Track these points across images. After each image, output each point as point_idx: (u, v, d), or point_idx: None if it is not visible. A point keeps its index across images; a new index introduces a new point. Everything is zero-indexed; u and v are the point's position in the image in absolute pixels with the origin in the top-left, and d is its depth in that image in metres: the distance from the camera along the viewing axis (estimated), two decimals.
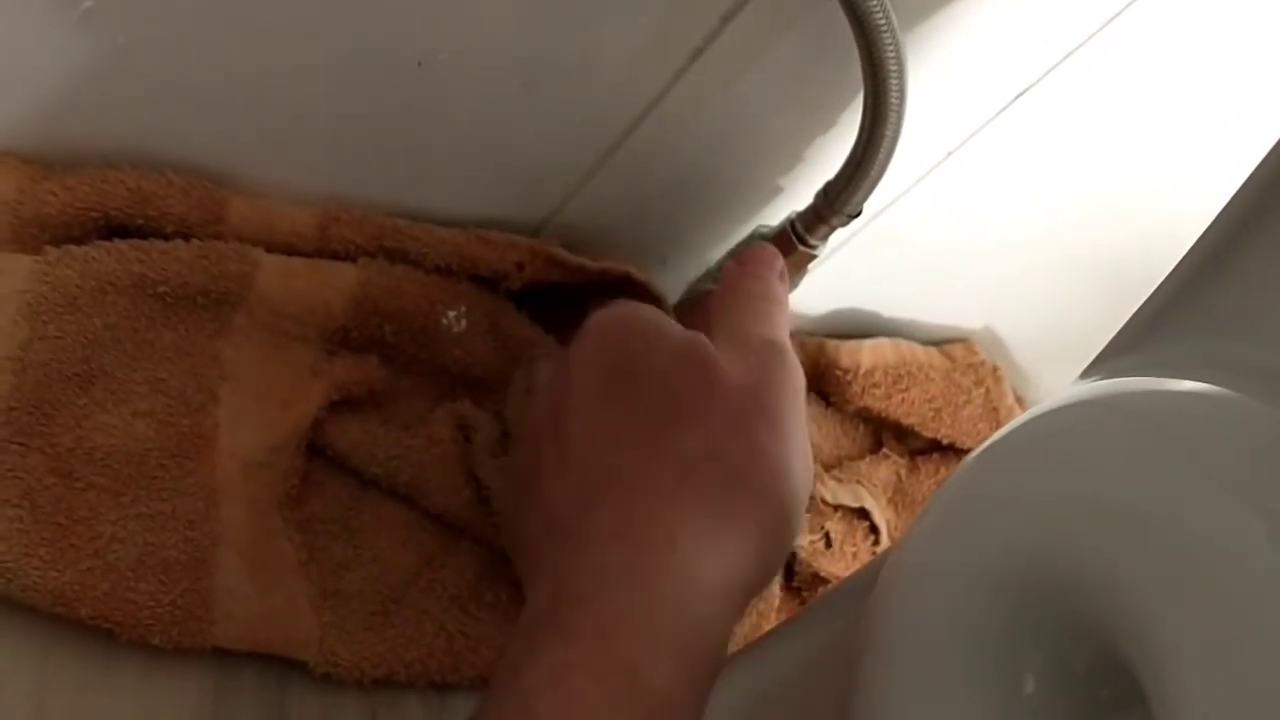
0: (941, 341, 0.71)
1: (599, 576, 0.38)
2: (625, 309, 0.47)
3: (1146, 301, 0.39)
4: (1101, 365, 0.40)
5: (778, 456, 0.42)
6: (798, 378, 0.45)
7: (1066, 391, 0.37)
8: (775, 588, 0.62)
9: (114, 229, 0.50)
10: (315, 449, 0.52)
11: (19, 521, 0.44)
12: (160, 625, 0.46)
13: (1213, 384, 0.33)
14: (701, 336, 0.44)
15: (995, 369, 0.71)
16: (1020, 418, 0.38)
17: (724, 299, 0.49)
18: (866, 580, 0.44)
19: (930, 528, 0.39)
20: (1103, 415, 0.34)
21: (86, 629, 0.45)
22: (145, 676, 0.47)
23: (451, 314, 0.55)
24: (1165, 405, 0.33)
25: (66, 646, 0.46)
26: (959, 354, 0.70)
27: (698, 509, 0.40)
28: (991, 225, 0.63)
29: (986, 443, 0.38)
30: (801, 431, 0.43)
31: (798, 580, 0.64)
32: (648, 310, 0.47)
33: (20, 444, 0.45)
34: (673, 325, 0.46)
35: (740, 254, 0.53)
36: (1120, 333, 0.40)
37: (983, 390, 0.69)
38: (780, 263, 0.51)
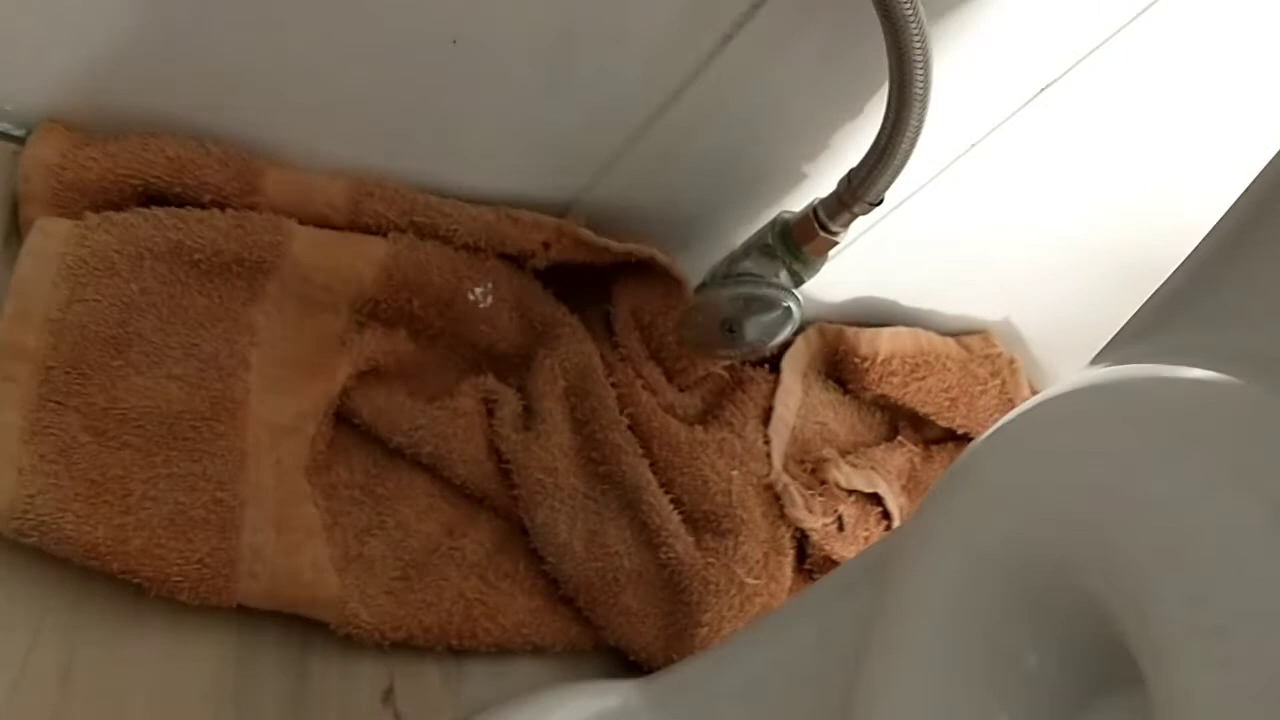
0: (960, 333, 0.72)
1: None
2: None
3: (1156, 291, 0.40)
4: (1110, 352, 0.40)
5: None
6: None
7: (1074, 377, 0.38)
8: (787, 568, 0.63)
9: (153, 197, 0.51)
10: (342, 417, 0.54)
11: (54, 477, 0.46)
12: (188, 582, 0.47)
13: (1218, 372, 0.33)
14: None
15: (1012, 361, 0.71)
16: (1028, 402, 0.38)
17: None
18: (874, 559, 0.45)
19: (940, 506, 0.40)
20: (1108, 401, 0.35)
21: (117, 583, 0.47)
22: (172, 631, 0.48)
23: (478, 290, 0.56)
24: (1170, 392, 0.34)
25: (97, 600, 0.47)
26: (976, 345, 0.71)
27: None
28: (1013, 218, 0.63)
29: (995, 426, 0.39)
30: None
31: (810, 563, 0.65)
32: None
33: (57, 402, 0.47)
34: None
35: None
36: (1130, 321, 0.40)
37: (999, 381, 0.70)
38: None
